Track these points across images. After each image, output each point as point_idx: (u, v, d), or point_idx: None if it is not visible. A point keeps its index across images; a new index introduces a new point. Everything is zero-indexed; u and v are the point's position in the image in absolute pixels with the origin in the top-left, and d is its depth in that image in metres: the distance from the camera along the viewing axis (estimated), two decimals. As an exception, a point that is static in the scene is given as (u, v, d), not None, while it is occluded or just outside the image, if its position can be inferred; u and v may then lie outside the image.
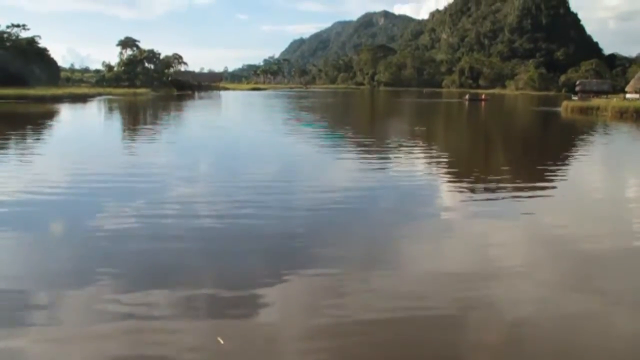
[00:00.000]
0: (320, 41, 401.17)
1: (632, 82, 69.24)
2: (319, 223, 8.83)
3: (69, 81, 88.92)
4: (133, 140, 22.21)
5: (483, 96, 76.64)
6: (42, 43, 77.29)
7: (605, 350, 4.90)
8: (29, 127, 25.35)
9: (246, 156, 17.47)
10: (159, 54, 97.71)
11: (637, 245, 8.11)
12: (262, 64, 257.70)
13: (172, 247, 7.38)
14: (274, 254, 7.16)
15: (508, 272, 6.72)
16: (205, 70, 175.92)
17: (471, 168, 15.59)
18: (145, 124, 31.89)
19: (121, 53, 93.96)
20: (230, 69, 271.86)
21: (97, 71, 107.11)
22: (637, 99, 52.94)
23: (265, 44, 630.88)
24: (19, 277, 6.27)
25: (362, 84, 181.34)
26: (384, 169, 14.93)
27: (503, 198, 11.12)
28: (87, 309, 5.38)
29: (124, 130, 27.33)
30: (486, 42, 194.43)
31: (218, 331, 4.89)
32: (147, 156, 16.85)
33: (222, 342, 4.70)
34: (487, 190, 11.86)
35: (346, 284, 6.08)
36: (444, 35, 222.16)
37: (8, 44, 71.70)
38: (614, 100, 50.30)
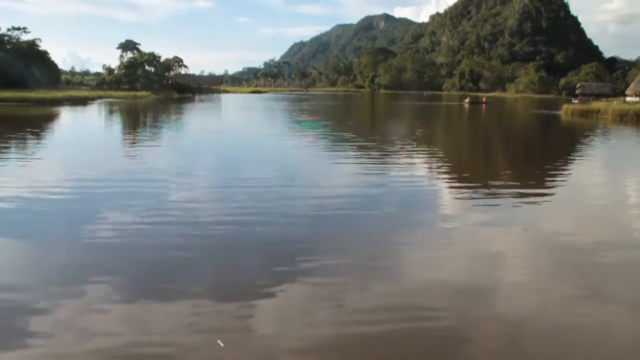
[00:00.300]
0: (320, 44, 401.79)
1: (632, 85, 69.35)
2: (320, 229, 8.78)
3: (69, 84, 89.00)
4: (133, 144, 22.18)
5: (484, 99, 76.79)
6: (43, 46, 77.54)
7: (608, 358, 4.85)
8: (29, 130, 25.31)
9: (246, 160, 17.44)
10: (160, 57, 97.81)
11: (638, 251, 8.06)
12: (262, 66, 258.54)
13: (172, 252, 7.33)
14: (274, 260, 7.11)
15: (509, 279, 6.67)
16: (206, 73, 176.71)
17: (472, 172, 15.56)
18: (145, 127, 31.87)
19: (122, 56, 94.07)
20: (231, 72, 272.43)
21: (98, 74, 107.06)
22: (637, 102, 52.96)
23: (265, 46, 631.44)
24: (16, 282, 6.22)
25: (362, 87, 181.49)
26: (384, 173, 14.87)
27: (504, 203, 11.06)
28: (86, 314, 5.32)
29: (124, 134, 27.32)
30: (486, 45, 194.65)
31: (218, 335, 4.89)
32: (147, 160, 16.82)
33: (222, 344, 4.71)
34: (488, 195, 11.81)
35: (346, 293, 6.02)
36: (444, 39, 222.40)
37: (8, 46, 71.77)
38: (614, 103, 50.34)
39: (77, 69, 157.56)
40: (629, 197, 12.49)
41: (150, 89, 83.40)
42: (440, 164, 16.88)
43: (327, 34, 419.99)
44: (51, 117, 36.52)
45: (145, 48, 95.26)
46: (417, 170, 15.44)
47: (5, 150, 18.30)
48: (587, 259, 7.57)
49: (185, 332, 5.01)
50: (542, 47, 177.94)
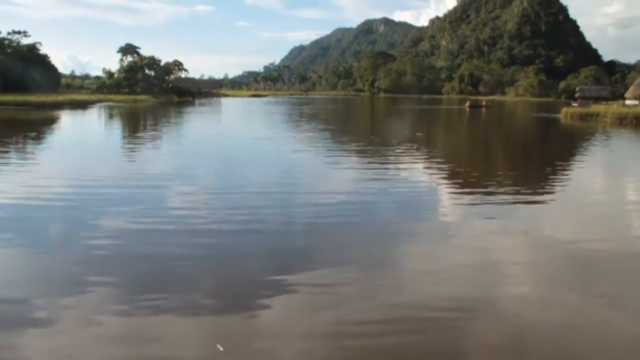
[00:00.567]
0: (320, 48, 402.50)
1: (631, 89, 69.50)
2: (320, 237, 8.70)
3: (69, 88, 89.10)
4: (132, 148, 22.18)
5: (484, 102, 76.84)
6: (43, 50, 77.69)
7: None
8: (29, 134, 25.33)
9: (246, 165, 17.44)
10: (160, 61, 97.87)
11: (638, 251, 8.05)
12: (262, 70, 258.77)
13: (171, 256, 7.30)
14: (273, 268, 7.06)
15: (511, 290, 6.58)
16: (206, 77, 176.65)
17: (474, 177, 15.52)
18: (145, 131, 31.87)
19: (122, 60, 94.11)
20: (231, 76, 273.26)
21: (98, 78, 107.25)
22: (637, 105, 53.02)
23: (265, 50, 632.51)
24: (13, 286, 6.20)
25: (362, 90, 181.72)
26: (385, 179, 14.82)
27: (505, 208, 11.00)
28: (83, 322, 5.29)
29: (123, 138, 27.32)
30: (486, 48, 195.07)
31: (217, 340, 4.87)
32: (146, 164, 16.81)
33: (221, 349, 4.70)
34: (489, 200, 11.73)
35: (346, 303, 5.94)
36: (443, 42, 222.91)
37: (9, 50, 71.93)
38: (614, 107, 50.32)
39: (77, 73, 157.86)
40: (630, 200, 12.47)
41: (150, 92, 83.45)
42: (441, 168, 16.85)
43: (327, 37, 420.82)
44: (51, 121, 36.54)
45: (146, 52, 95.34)
46: (418, 175, 15.42)
47: (5, 155, 18.28)
48: (588, 262, 7.54)
49: (184, 340, 4.96)
50: (542, 50, 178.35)
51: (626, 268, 7.28)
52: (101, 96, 73.20)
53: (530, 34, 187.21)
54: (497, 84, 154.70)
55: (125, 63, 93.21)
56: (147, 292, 6.02)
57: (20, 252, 7.56)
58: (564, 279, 6.88)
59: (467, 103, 74.43)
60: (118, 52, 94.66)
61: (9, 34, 74.59)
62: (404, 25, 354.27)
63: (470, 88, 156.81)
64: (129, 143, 24.31)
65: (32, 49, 75.18)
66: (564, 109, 50.38)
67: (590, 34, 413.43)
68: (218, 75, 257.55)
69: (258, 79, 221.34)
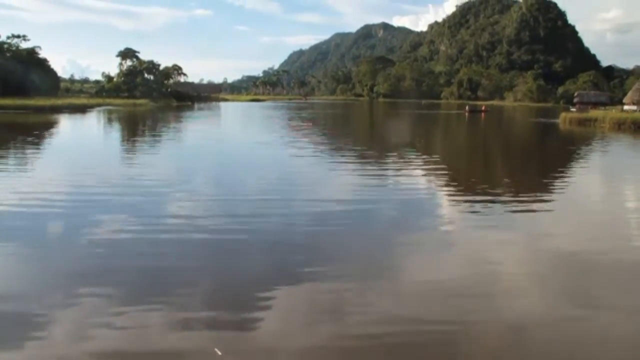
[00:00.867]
0: (319, 52, 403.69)
1: (629, 94, 69.58)
2: (319, 239, 8.71)
3: (68, 92, 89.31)
4: (131, 152, 22.15)
5: (483, 108, 77.14)
6: (42, 54, 77.98)
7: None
8: (28, 138, 25.30)
9: (245, 169, 17.42)
10: (159, 65, 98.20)
11: (637, 259, 8.03)
12: (261, 75, 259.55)
13: (169, 261, 7.27)
14: (273, 270, 7.06)
15: (511, 293, 6.58)
16: (205, 82, 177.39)
17: (473, 182, 15.52)
18: (144, 135, 31.85)
19: (121, 64, 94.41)
20: (230, 80, 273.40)
21: (97, 82, 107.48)
22: (635, 111, 53.16)
23: (264, 55, 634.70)
24: (10, 292, 6.16)
25: (361, 95, 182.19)
26: (385, 184, 14.82)
27: (505, 213, 11.00)
28: (82, 324, 5.24)
29: (122, 143, 27.28)
30: (484, 53, 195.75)
31: (216, 343, 4.86)
32: (145, 169, 16.76)
33: (219, 353, 4.70)
34: (489, 206, 11.70)
35: (346, 304, 5.96)
36: (442, 47, 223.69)
37: (8, 54, 72.07)
38: (612, 112, 50.50)
39: (77, 77, 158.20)
40: (628, 206, 12.45)
41: (149, 96, 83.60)
42: (440, 174, 16.84)
43: (326, 42, 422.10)
44: (50, 125, 36.50)
45: (145, 56, 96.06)
46: (417, 180, 15.41)
47: (3, 158, 18.22)
48: (587, 267, 7.53)
49: (183, 342, 4.96)
50: (540, 55, 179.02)
51: (627, 277, 7.25)
52: (100, 100, 73.30)
53: (528, 39, 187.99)
54: (496, 89, 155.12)
55: (125, 67, 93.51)
56: (144, 299, 5.97)
57: (15, 254, 7.50)
58: (565, 287, 6.85)
59: (467, 108, 74.73)
60: (117, 56, 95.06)
61: (8, 37, 74.96)
62: (403, 30, 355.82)
63: (469, 93, 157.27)
64: (127, 148, 24.28)
65: (32, 52, 75.36)
66: (563, 114, 50.52)
67: (588, 40, 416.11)
68: (217, 79, 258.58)
69: (257, 83, 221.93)
